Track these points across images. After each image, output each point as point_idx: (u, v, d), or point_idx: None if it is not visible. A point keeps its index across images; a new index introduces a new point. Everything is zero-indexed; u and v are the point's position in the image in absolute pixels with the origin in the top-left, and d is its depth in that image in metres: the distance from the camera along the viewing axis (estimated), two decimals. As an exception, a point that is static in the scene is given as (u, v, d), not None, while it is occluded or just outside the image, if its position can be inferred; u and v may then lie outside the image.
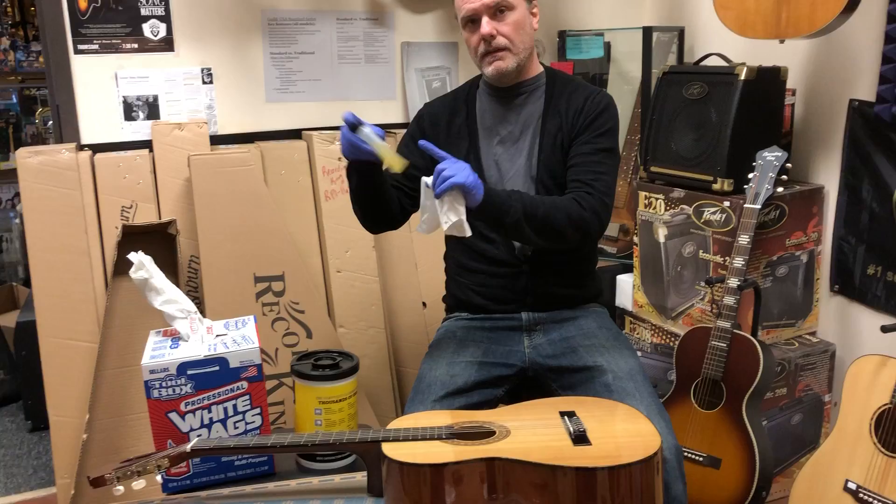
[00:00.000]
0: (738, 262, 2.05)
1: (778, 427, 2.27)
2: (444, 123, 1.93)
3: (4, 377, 3.26)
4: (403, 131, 2.76)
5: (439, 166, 1.59)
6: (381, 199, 1.82)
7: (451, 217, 1.59)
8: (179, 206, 2.41)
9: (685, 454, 2.05)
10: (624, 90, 2.93)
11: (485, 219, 1.67)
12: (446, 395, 1.73)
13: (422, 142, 1.65)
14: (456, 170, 1.58)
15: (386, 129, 2.79)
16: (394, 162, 1.62)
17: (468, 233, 1.62)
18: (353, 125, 1.63)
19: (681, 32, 2.79)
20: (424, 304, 2.72)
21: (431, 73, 2.89)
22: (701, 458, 2.06)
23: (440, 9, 2.84)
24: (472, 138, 1.90)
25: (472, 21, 1.80)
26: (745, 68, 2.18)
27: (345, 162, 2.56)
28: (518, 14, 1.79)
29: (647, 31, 2.68)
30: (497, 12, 1.77)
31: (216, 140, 2.59)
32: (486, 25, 1.77)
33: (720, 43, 2.48)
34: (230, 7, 2.59)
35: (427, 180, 1.61)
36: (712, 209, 2.26)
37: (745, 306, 2.15)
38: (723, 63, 2.34)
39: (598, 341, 1.82)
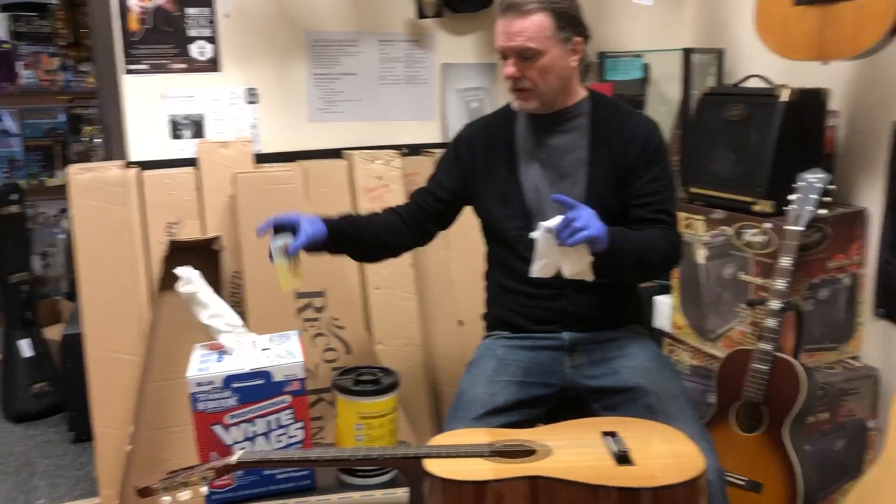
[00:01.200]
0: (780, 284, 2.04)
1: (820, 453, 2.24)
2: (483, 146, 1.92)
3: (49, 389, 3.32)
4: (441, 150, 2.81)
5: (571, 215, 1.56)
6: (355, 250, 1.89)
7: (576, 266, 1.60)
8: (223, 223, 2.46)
9: (726, 478, 2.02)
10: (662, 112, 2.93)
11: (605, 262, 1.64)
12: (486, 414, 1.73)
13: (555, 196, 1.62)
14: (588, 221, 1.56)
15: (424, 149, 2.84)
16: (284, 282, 1.67)
17: (592, 277, 1.62)
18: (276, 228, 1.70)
19: (720, 54, 2.79)
20: (461, 322, 2.73)
21: (470, 93, 2.92)
22: (742, 482, 2.04)
23: (480, 30, 2.88)
24: (511, 161, 1.89)
25: (503, 55, 1.78)
26: (787, 90, 2.18)
27: (384, 182, 2.63)
28: (547, 59, 1.74)
29: (688, 53, 2.69)
30: (523, 56, 1.74)
31: (260, 158, 2.64)
32: (510, 67, 1.75)
33: (761, 64, 2.47)
34: (275, 28, 2.65)
35: (547, 225, 1.58)
36: (753, 231, 2.25)
37: (786, 329, 2.13)
38: (764, 84, 2.33)
39: (641, 362, 1.81)
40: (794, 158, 2.19)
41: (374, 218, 1.93)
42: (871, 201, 2.33)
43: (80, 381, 2.48)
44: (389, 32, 2.79)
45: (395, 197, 2.63)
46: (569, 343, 1.87)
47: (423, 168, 2.75)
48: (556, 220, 1.57)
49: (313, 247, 1.75)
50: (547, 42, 1.73)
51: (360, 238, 1.85)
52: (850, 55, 2.01)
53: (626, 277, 1.80)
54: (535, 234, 1.60)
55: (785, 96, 2.17)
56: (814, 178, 2.08)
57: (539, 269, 1.63)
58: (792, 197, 2.09)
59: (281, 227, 1.72)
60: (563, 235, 1.56)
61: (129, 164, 2.52)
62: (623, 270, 1.73)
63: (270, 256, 1.69)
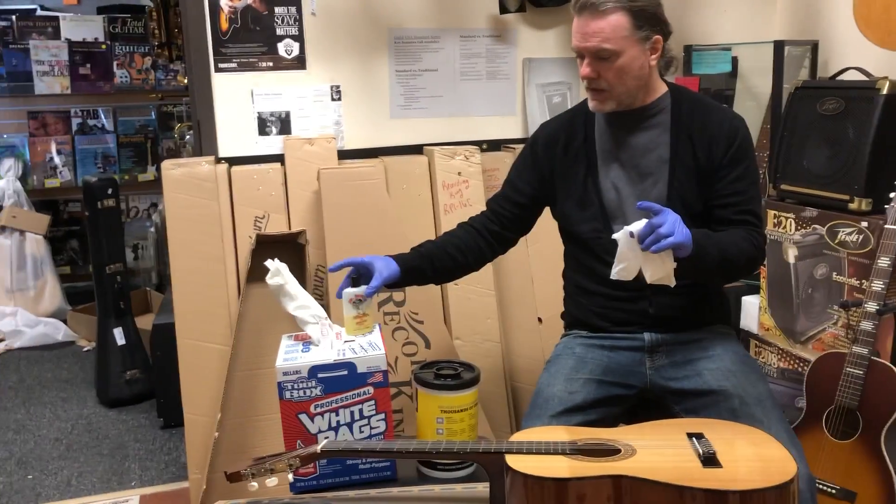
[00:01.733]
0: (878, 285, 1.95)
1: (918, 463, 2.13)
2: (562, 146, 1.89)
3: (140, 376, 3.46)
4: (521, 146, 2.80)
5: (656, 221, 1.53)
6: (432, 280, 1.94)
7: (658, 272, 1.57)
8: (308, 217, 2.51)
9: (817, 485, 1.96)
10: (750, 106, 2.84)
11: (689, 267, 1.61)
12: (564, 412, 1.72)
13: (641, 203, 1.58)
14: (673, 226, 1.52)
15: (504, 144, 2.84)
16: (349, 330, 1.77)
17: (674, 283, 1.59)
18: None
19: (814, 46, 2.68)
20: (540, 319, 2.72)
21: (552, 88, 2.90)
22: (834, 491, 1.97)
23: (562, 24, 2.85)
24: (590, 161, 1.85)
25: (579, 54, 1.74)
26: (888, 82, 2.08)
27: (463, 177, 2.64)
28: (624, 59, 1.69)
29: (779, 45, 2.60)
30: (599, 57, 1.70)
31: (343, 154, 2.69)
32: (586, 67, 1.71)
33: (858, 56, 2.38)
34: (359, 26, 2.69)
35: (631, 229, 1.55)
36: (848, 230, 2.16)
37: (883, 332, 2.04)
38: (862, 77, 2.23)
39: (725, 364, 1.76)
40: (894, 155, 2.09)
41: (448, 241, 1.93)
42: (979, 200, 2.21)
43: (169, 369, 2.57)
44: (471, 28, 2.79)
45: (475, 192, 2.64)
46: (649, 344, 1.84)
47: (503, 164, 2.75)
48: (639, 225, 1.54)
49: (388, 285, 1.81)
50: (624, 42, 1.68)
51: (435, 268, 1.89)
52: (958, 45, 1.91)
53: (708, 280, 1.76)
54: (617, 236, 1.58)
55: (885, 89, 2.08)
56: (916, 175, 1.98)
57: (619, 271, 1.60)
58: (892, 195, 2.01)
59: (356, 270, 1.81)
60: (647, 242, 1.52)
61: (219, 160, 2.60)
62: (706, 274, 1.70)
63: (339, 294, 1.77)
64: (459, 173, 2.64)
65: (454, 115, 2.84)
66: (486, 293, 2.63)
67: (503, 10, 2.76)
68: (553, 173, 1.89)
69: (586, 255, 1.87)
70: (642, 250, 1.54)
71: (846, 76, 2.31)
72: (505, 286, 2.71)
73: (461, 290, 2.60)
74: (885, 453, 1.89)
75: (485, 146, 2.82)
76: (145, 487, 2.71)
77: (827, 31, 2.71)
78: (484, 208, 2.62)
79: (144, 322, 3.63)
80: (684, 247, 1.55)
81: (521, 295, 2.72)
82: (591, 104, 1.79)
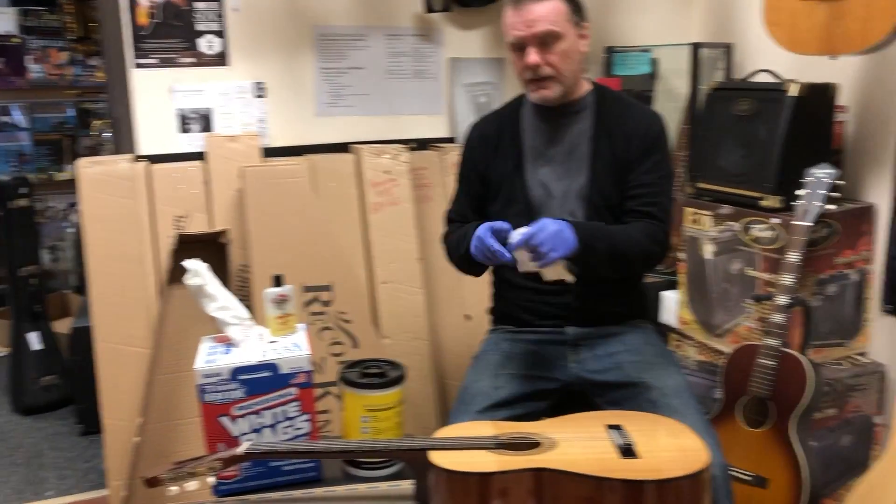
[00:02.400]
0: (788, 279, 2.03)
1: (827, 448, 2.23)
2: (493, 142, 1.92)
3: (57, 382, 3.35)
4: (449, 145, 2.82)
5: (533, 242, 1.57)
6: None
7: (552, 274, 1.63)
8: (231, 216, 2.47)
9: (731, 473, 2.03)
10: (670, 107, 2.92)
11: (576, 261, 1.67)
12: (490, 407, 1.74)
13: (511, 245, 1.62)
14: (553, 242, 1.58)
15: (432, 143, 2.85)
16: (274, 330, 1.74)
17: (572, 279, 1.64)
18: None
19: (729, 49, 2.78)
20: (468, 316, 2.74)
21: (478, 88, 2.92)
22: (748, 478, 2.04)
23: (487, 25, 2.88)
24: (518, 158, 1.89)
25: (520, 47, 1.78)
26: (796, 85, 2.17)
27: (392, 176, 2.63)
28: (566, 43, 1.75)
29: (696, 48, 2.68)
30: (544, 42, 1.74)
31: (267, 152, 2.65)
32: (533, 55, 1.74)
33: (769, 59, 2.47)
34: (283, 23, 2.66)
35: (515, 242, 1.60)
36: (761, 226, 2.24)
37: (793, 325, 2.13)
38: (772, 79, 2.32)
39: (645, 357, 1.82)
40: (803, 153, 2.18)
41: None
42: (880, 197, 2.32)
43: (88, 374, 2.49)
44: (397, 27, 2.79)
45: (403, 191, 2.64)
46: (572, 338, 1.88)
47: (431, 163, 2.76)
48: (522, 232, 1.59)
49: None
50: (565, 26, 1.75)
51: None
52: (859, 50, 2.01)
53: (603, 273, 1.77)
54: (511, 243, 1.62)
55: (793, 91, 2.17)
56: (822, 174, 2.07)
57: (522, 271, 1.65)
58: (800, 192, 2.09)
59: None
60: (535, 259, 1.59)
61: (138, 158, 2.54)
62: (597, 268, 1.73)
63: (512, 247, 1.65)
64: (388, 172, 2.64)
65: (381, 114, 2.83)
66: (415, 291, 2.63)
67: (428, 9, 2.77)
68: (489, 168, 1.92)
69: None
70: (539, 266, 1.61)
71: (758, 78, 2.39)
72: (434, 284, 2.72)
73: (390, 289, 2.60)
74: (793, 440, 1.97)
75: (412, 145, 2.82)
76: (62, 497, 2.63)
77: (740, 34, 2.81)
78: (411, 206, 2.65)
79: (63, 326, 3.51)
80: (570, 251, 1.61)
81: (450, 293, 2.74)
82: (536, 95, 1.81)
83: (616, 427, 1.49)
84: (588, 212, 1.83)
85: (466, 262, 1.82)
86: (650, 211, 1.79)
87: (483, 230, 1.65)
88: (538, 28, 1.73)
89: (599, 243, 1.68)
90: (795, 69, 2.35)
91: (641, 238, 1.75)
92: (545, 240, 1.57)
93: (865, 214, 2.31)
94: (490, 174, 1.91)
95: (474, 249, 1.69)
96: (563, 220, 1.65)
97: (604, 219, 1.81)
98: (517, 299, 1.93)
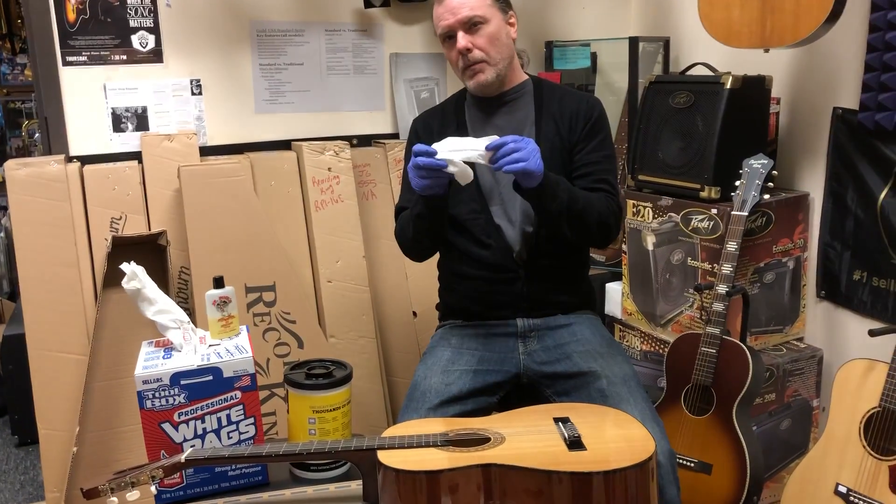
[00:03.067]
0: (727, 268, 2.07)
1: (767, 432, 2.29)
2: (437, 133, 1.93)
3: (-10, 392, 3.22)
4: (392, 141, 2.80)
5: (508, 141, 1.60)
6: (444, 227, 1.87)
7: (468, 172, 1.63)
8: (169, 218, 2.41)
9: (677, 460, 2.06)
10: (610, 101, 2.95)
11: (533, 199, 1.71)
12: (441, 404, 1.73)
13: (490, 143, 1.62)
14: (528, 153, 1.60)
15: (374, 140, 2.82)
16: (216, 333, 1.72)
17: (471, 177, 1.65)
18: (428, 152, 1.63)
19: (666, 43, 2.82)
20: (415, 313, 2.73)
21: (420, 83, 2.91)
22: (692, 464, 2.08)
23: (428, 20, 2.83)
24: None
25: (450, 37, 1.84)
26: (731, 77, 2.21)
27: (334, 173, 2.60)
28: (492, 27, 1.82)
29: (634, 42, 2.71)
30: (471, 26, 1.81)
31: (206, 151, 2.59)
32: (462, 40, 1.81)
33: (705, 52, 2.51)
34: (219, 18, 2.60)
35: (480, 144, 1.60)
36: (700, 217, 2.28)
37: (733, 313, 2.17)
38: (708, 72, 2.37)
39: (593, 347, 1.84)
40: (739, 145, 2.23)
41: None
42: (813, 186, 2.39)
43: (22, 383, 2.41)
44: (336, 22, 2.76)
45: (346, 187, 2.61)
46: (522, 329, 1.89)
47: (374, 159, 2.73)
48: (495, 138, 1.61)
49: (433, 200, 1.75)
50: (489, 11, 1.82)
51: (443, 224, 1.86)
52: (791, 42, 2.05)
53: (559, 229, 1.78)
54: (490, 143, 1.61)
55: (729, 83, 2.21)
56: (758, 164, 2.12)
57: (450, 170, 1.63)
58: (737, 183, 2.13)
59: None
60: (497, 157, 1.60)
61: (70, 159, 2.45)
62: (555, 217, 1.74)
63: (419, 184, 1.67)
64: (329, 169, 2.61)
65: (322, 110, 2.80)
66: (360, 290, 2.61)
67: (368, 4, 2.74)
68: None
69: (463, 238, 1.91)
70: (493, 168, 1.61)
71: (694, 71, 2.43)
72: (379, 282, 2.70)
73: (335, 288, 2.57)
74: (736, 426, 2.01)
75: (355, 141, 2.79)
76: (-2, 511, 2.53)
77: (677, 28, 2.86)
78: (354, 203, 2.62)
79: (-6, 334, 3.38)
80: (534, 175, 1.63)
81: (396, 290, 2.72)
82: (472, 83, 1.86)
83: (563, 420, 1.49)
84: None
85: (420, 230, 1.84)
86: (602, 186, 1.85)
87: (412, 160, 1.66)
88: (462, 14, 1.80)
89: (561, 190, 1.71)
90: (730, 62, 2.40)
91: (599, 204, 1.80)
92: (524, 146, 1.60)
93: (800, 203, 2.37)
94: None
95: (415, 184, 1.69)
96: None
97: None
98: (467, 290, 1.93)
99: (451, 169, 1.62)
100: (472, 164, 1.63)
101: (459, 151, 1.62)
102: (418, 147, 1.64)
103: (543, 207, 1.73)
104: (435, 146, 1.63)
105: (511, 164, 1.59)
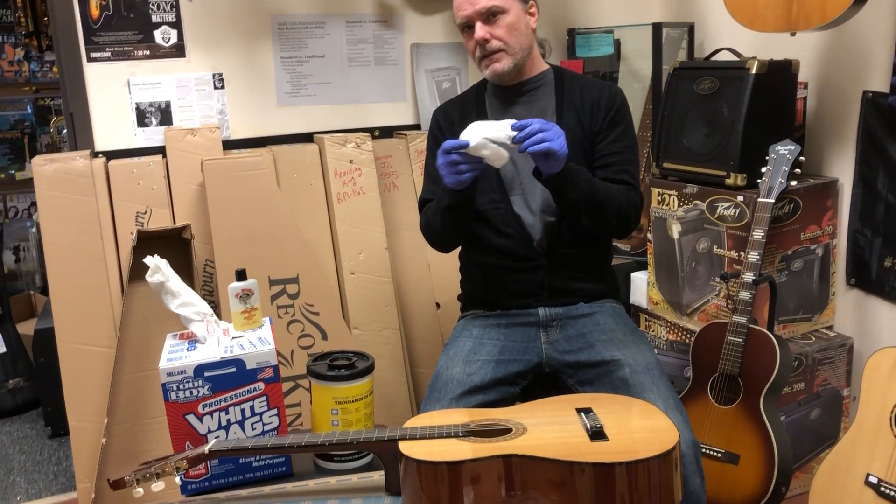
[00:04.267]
0: (753, 256, 2.04)
1: (796, 422, 2.26)
2: (458, 123, 1.92)
3: (24, 384, 3.29)
4: (414, 132, 2.79)
5: (535, 122, 1.61)
6: (471, 217, 1.87)
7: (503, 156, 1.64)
8: (193, 211, 2.43)
9: (703, 450, 2.04)
10: (634, 88, 2.92)
11: (553, 186, 1.71)
12: (463, 394, 1.73)
13: (515, 123, 1.63)
14: (553, 134, 1.60)
15: (396, 131, 2.82)
16: (239, 325, 1.71)
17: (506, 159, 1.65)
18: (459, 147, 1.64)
19: (690, 28, 2.78)
20: (438, 304, 2.72)
21: (441, 73, 2.89)
22: (719, 454, 2.05)
23: (448, 10, 2.84)
24: None
25: (468, 27, 1.84)
26: (756, 62, 2.17)
27: (356, 165, 2.61)
28: (511, 16, 1.81)
29: (657, 28, 2.67)
30: (490, 16, 1.80)
31: (228, 145, 2.61)
32: (480, 30, 1.80)
33: (730, 37, 2.47)
34: (240, 12, 2.61)
35: (505, 125, 1.61)
36: (726, 204, 2.25)
37: (760, 301, 2.14)
38: (733, 58, 2.33)
39: (615, 336, 1.82)
40: (765, 131, 2.19)
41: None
42: (842, 172, 2.34)
43: (54, 375, 2.44)
44: (357, 13, 2.75)
45: (368, 179, 2.61)
46: (544, 319, 1.88)
47: (396, 150, 2.73)
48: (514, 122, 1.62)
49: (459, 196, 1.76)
50: (508, 1, 1.80)
51: (469, 217, 1.87)
52: (818, 25, 2.01)
53: (578, 218, 1.78)
54: (514, 123, 1.62)
55: (754, 68, 2.17)
56: (784, 150, 2.08)
57: (476, 153, 1.64)
58: (763, 169, 2.10)
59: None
60: (521, 137, 1.60)
61: (96, 154, 2.48)
62: (574, 205, 1.74)
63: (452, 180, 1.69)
64: (351, 161, 2.61)
65: (344, 102, 2.80)
66: (383, 281, 2.61)
67: (388, -6, 2.74)
68: None
69: (484, 228, 1.90)
70: (518, 149, 1.61)
71: (719, 56, 2.40)
72: (402, 273, 2.70)
73: (358, 280, 2.58)
74: (763, 416, 1.99)
75: (376, 133, 2.79)
76: (31, 501, 2.58)
77: (701, 13, 2.81)
78: (377, 195, 2.62)
79: (28, 327, 3.44)
80: (558, 157, 1.62)
81: (419, 281, 2.72)
82: (489, 71, 1.85)
83: (586, 410, 1.48)
84: None
85: (447, 222, 1.84)
86: (623, 178, 1.84)
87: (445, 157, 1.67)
88: (481, 4, 1.80)
89: (582, 180, 1.71)
90: (756, 46, 2.36)
91: (620, 196, 1.79)
92: (548, 127, 1.61)
93: (829, 190, 2.32)
94: None
95: (449, 181, 1.69)
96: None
97: None
98: (489, 280, 1.93)
99: (484, 153, 1.63)
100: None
101: (487, 134, 1.62)
102: (449, 143, 1.63)
103: (563, 196, 1.72)
104: (463, 135, 1.63)
105: (537, 145, 1.59)
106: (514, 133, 1.61)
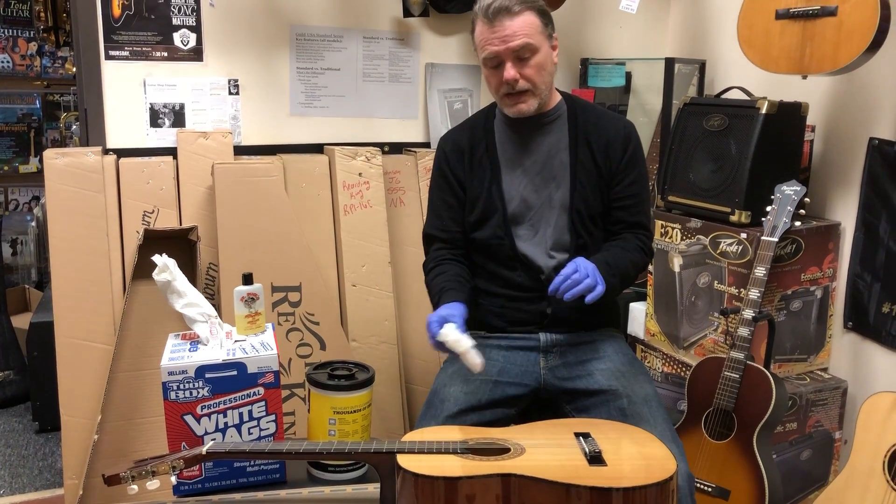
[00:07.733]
0: (754, 293, 2.06)
1: (787, 462, 2.26)
2: (468, 154, 1.90)
3: (14, 377, 3.27)
4: (423, 150, 2.81)
5: (572, 275, 1.62)
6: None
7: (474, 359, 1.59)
8: (200, 214, 2.44)
9: (695, 483, 2.04)
10: (641, 122, 2.95)
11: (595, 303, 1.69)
12: (460, 412, 1.73)
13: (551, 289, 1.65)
14: (597, 276, 1.65)
15: (406, 147, 2.84)
16: (242, 329, 1.73)
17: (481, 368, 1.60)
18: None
19: (702, 65, 2.82)
20: (437, 322, 2.72)
21: (454, 94, 2.92)
22: (710, 489, 2.06)
23: (464, 31, 2.88)
24: (493, 170, 1.88)
25: (494, 62, 1.76)
26: (767, 102, 2.21)
27: (364, 178, 2.62)
28: (541, 56, 1.75)
29: (670, 62, 2.71)
30: (520, 57, 1.73)
31: (239, 150, 2.62)
32: (510, 70, 1.73)
33: (741, 76, 2.51)
34: (259, 20, 2.64)
35: (464, 339, 1.59)
36: (729, 240, 2.27)
37: (758, 339, 2.15)
38: (744, 96, 2.36)
39: (615, 365, 1.82)
40: (772, 170, 2.22)
41: (458, 273, 1.87)
42: (845, 216, 2.37)
43: (46, 370, 2.44)
44: (375, 29, 2.78)
45: (375, 193, 2.63)
46: (544, 344, 1.88)
47: (405, 167, 2.75)
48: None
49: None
50: (539, 38, 1.75)
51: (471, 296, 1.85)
52: (829, 70, 2.05)
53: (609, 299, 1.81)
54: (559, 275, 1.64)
55: (764, 108, 2.20)
56: (790, 191, 2.10)
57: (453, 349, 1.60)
58: (768, 208, 2.12)
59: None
60: (561, 288, 1.62)
61: (107, 151, 2.49)
62: (612, 294, 1.77)
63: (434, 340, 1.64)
64: (360, 174, 2.63)
65: (356, 116, 2.82)
66: (384, 295, 2.62)
67: (406, 13, 2.77)
68: (465, 178, 1.90)
69: (488, 260, 1.89)
70: (563, 299, 1.63)
71: (730, 95, 2.43)
72: (403, 288, 2.70)
73: (359, 292, 2.59)
74: (756, 453, 1.99)
75: (386, 148, 2.81)
76: (15, 495, 2.56)
77: (714, 51, 2.85)
78: (383, 209, 2.63)
79: (22, 321, 3.43)
80: (603, 288, 1.65)
81: (420, 297, 2.72)
82: (513, 110, 1.79)
83: (584, 435, 1.49)
84: (573, 220, 1.83)
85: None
86: (640, 221, 1.86)
87: (431, 317, 1.65)
88: (515, 42, 1.71)
89: (615, 279, 1.74)
90: (766, 87, 2.39)
91: (638, 256, 1.83)
92: (591, 272, 1.64)
93: (831, 233, 2.35)
94: (466, 185, 1.91)
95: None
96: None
97: (585, 227, 1.83)
98: (490, 306, 1.92)
99: (461, 352, 1.59)
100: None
101: (456, 350, 1.59)
102: (434, 339, 1.62)
103: (606, 299, 1.72)
104: (442, 334, 1.60)
105: (575, 290, 1.62)
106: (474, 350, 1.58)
